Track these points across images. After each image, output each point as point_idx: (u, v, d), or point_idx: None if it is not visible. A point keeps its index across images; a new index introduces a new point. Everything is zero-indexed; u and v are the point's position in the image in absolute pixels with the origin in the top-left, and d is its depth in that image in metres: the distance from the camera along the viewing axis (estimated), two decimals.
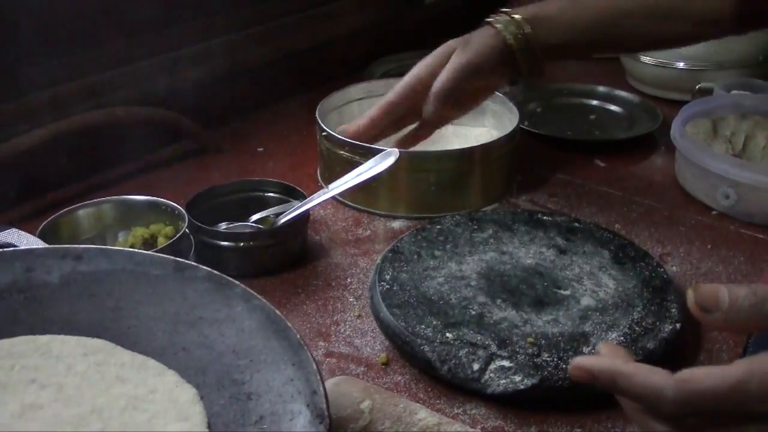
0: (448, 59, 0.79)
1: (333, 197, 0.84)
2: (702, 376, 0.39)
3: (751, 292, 0.41)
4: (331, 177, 0.81)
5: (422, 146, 0.86)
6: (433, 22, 1.29)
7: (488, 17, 0.80)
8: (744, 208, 0.82)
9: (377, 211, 0.83)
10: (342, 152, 0.83)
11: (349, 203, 0.85)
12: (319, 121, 0.86)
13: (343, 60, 1.17)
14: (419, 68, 0.81)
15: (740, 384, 0.38)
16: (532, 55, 0.78)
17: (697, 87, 1.05)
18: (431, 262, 0.70)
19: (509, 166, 0.87)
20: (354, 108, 0.96)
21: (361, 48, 1.19)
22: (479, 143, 0.85)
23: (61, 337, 0.50)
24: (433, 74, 0.79)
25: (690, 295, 0.42)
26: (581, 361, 0.43)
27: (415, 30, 1.27)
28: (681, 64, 1.10)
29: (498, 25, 0.78)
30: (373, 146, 0.80)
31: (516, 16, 0.78)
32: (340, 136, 0.83)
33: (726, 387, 0.38)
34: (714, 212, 0.84)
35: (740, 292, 0.41)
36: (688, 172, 0.88)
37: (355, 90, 0.96)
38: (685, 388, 0.39)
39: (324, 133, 0.85)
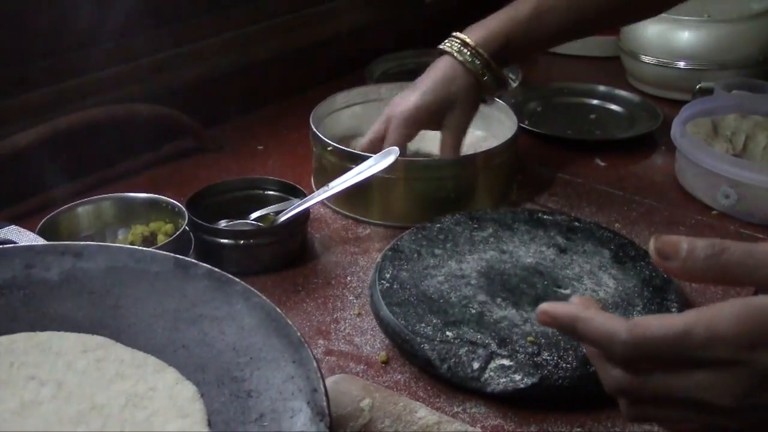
0: (435, 118, 0.80)
1: (328, 206, 0.84)
2: (653, 322, 0.40)
3: (709, 245, 0.42)
4: (324, 183, 0.78)
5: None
6: (433, 21, 1.28)
7: (449, 47, 0.80)
8: (744, 208, 0.82)
9: (371, 221, 0.82)
10: (334, 159, 0.81)
11: (345, 212, 0.83)
12: (313, 128, 0.84)
13: (344, 58, 1.17)
14: (408, 131, 0.80)
15: (686, 331, 0.39)
16: (498, 81, 0.82)
17: (697, 87, 1.05)
18: (431, 261, 0.69)
19: (509, 172, 0.86)
20: (347, 113, 0.94)
21: (361, 46, 1.19)
22: (473, 148, 0.84)
23: (61, 333, 0.50)
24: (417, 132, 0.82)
25: (652, 242, 0.44)
26: (546, 307, 0.45)
27: (415, 29, 1.27)
28: (682, 64, 1.10)
29: (469, 66, 0.79)
30: (365, 154, 0.79)
31: (482, 52, 0.79)
32: (332, 143, 0.81)
33: (673, 333, 0.39)
34: (714, 212, 0.84)
35: (699, 243, 0.42)
36: (688, 172, 0.87)
37: (349, 95, 0.94)
38: (636, 333, 0.40)
39: (319, 141, 0.83)
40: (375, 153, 0.77)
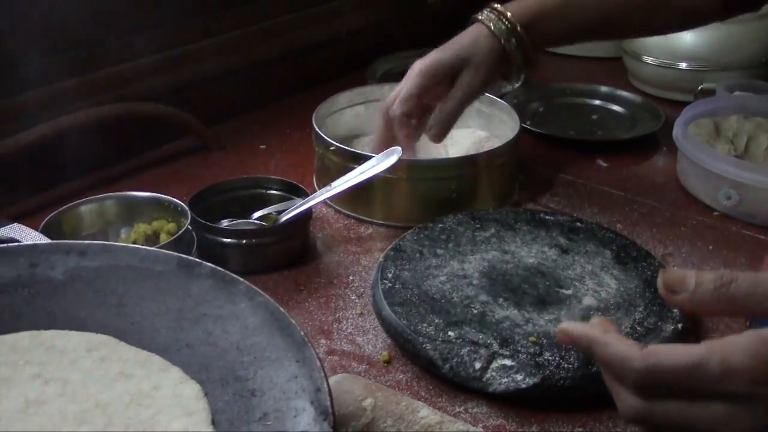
0: (449, 74, 0.78)
1: (330, 206, 0.84)
2: (668, 351, 0.41)
3: (717, 277, 0.43)
4: (326, 183, 0.79)
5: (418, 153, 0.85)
6: (435, 21, 1.28)
7: (481, 15, 0.79)
8: (746, 209, 0.82)
9: (374, 220, 0.82)
10: (337, 159, 0.82)
11: (347, 212, 0.83)
12: (316, 128, 0.84)
13: (346, 58, 1.17)
14: (421, 81, 0.78)
15: (701, 363, 0.39)
16: (525, 55, 0.79)
17: (699, 87, 1.05)
18: (433, 261, 0.70)
19: (511, 173, 0.86)
20: (350, 113, 0.94)
21: (363, 46, 1.19)
22: (475, 148, 0.84)
23: (65, 332, 0.50)
24: (435, 93, 0.79)
25: (659, 277, 0.44)
26: (566, 326, 0.46)
27: (417, 28, 1.27)
28: (684, 65, 1.10)
29: (494, 29, 0.77)
30: (368, 154, 0.79)
31: (510, 18, 0.77)
32: (334, 143, 0.81)
33: (688, 364, 0.40)
34: (716, 213, 0.84)
35: (707, 276, 0.43)
36: (690, 173, 0.88)
37: (351, 95, 0.94)
38: (650, 361, 0.41)
39: (321, 141, 0.83)
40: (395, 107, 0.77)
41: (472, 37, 0.78)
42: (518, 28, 0.77)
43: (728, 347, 0.39)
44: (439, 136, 0.80)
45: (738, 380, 0.39)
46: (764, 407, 0.38)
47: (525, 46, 0.78)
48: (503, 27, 0.77)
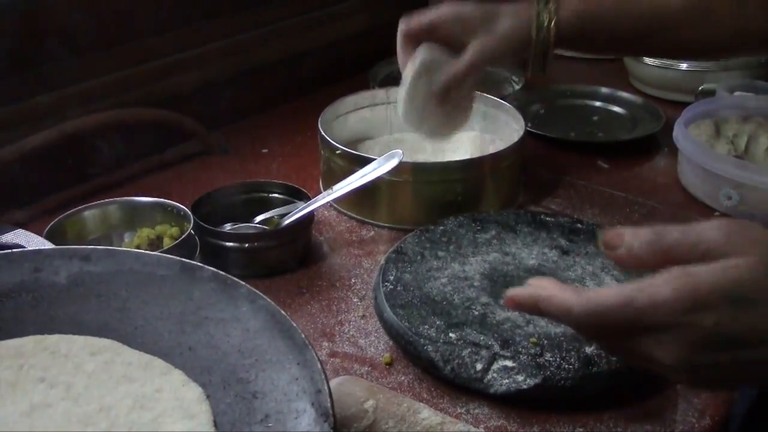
0: (472, 26, 0.72)
1: (335, 208, 0.85)
2: (601, 293, 0.44)
3: (650, 230, 0.45)
4: (333, 185, 0.79)
5: (423, 156, 0.86)
6: None
7: (538, 6, 0.72)
8: (746, 209, 0.82)
9: (379, 223, 0.82)
10: (343, 162, 0.82)
11: (352, 215, 0.84)
12: (321, 131, 0.85)
13: (347, 61, 1.17)
14: (445, 19, 0.73)
15: (629, 300, 0.42)
16: (546, 55, 0.76)
17: (700, 88, 1.05)
18: (435, 263, 0.70)
19: (516, 175, 0.87)
20: (355, 117, 0.94)
21: (365, 50, 1.19)
22: (480, 151, 0.85)
23: (69, 336, 0.51)
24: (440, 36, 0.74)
25: (599, 236, 0.47)
26: (511, 293, 0.48)
27: None
28: (684, 66, 1.10)
29: (535, 25, 0.73)
30: (374, 157, 0.79)
31: (555, 27, 0.73)
32: (341, 146, 0.81)
33: (618, 303, 0.43)
34: (716, 213, 0.84)
35: (642, 231, 0.46)
36: (690, 174, 0.88)
37: (357, 99, 0.95)
38: (586, 304, 0.44)
39: (327, 144, 0.84)
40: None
41: (514, 22, 0.73)
42: (550, 44, 0.74)
43: (654, 282, 0.42)
44: (440, 93, 0.74)
45: (663, 312, 0.41)
46: (685, 335, 0.41)
47: (547, 60, 0.76)
48: (544, 27, 0.73)
